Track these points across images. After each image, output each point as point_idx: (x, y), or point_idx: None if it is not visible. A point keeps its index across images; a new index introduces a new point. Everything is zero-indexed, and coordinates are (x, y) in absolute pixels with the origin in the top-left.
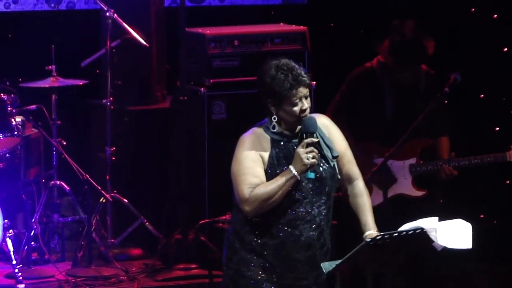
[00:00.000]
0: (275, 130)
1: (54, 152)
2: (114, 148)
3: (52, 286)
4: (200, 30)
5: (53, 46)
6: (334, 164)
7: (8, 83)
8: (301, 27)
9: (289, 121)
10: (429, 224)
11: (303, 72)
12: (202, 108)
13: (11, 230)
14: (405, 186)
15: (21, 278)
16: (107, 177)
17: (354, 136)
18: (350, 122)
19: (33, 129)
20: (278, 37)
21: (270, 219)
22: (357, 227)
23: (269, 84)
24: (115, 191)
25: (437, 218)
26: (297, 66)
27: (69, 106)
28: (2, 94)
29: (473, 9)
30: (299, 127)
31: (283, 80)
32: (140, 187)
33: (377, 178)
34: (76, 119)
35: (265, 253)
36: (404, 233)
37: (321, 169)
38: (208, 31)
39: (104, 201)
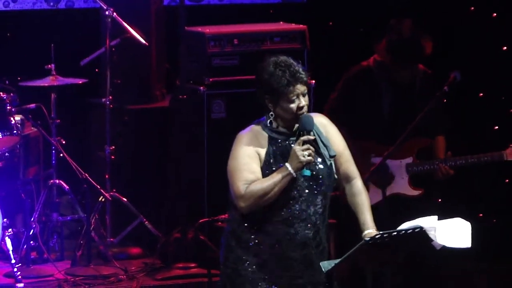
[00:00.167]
0: (273, 127)
1: (53, 151)
2: (113, 147)
3: (51, 285)
4: (199, 29)
5: (52, 45)
6: (331, 163)
7: (7, 82)
8: (301, 25)
9: (286, 118)
10: (428, 223)
11: (301, 69)
12: (202, 106)
13: (10, 229)
14: (401, 186)
15: (20, 277)
16: (107, 176)
17: (351, 135)
18: (346, 121)
19: (32, 128)
20: (277, 36)
21: (266, 217)
22: (356, 226)
23: (267, 81)
24: (114, 190)
25: (436, 217)
26: (295, 63)
27: (68, 105)
28: (1, 93)
29: (473, 8)
30: (297, 125)
31: (281, 77)
32: (139, 186)
33: (375, 178)
34: (75, 118)
35: (261, 251)
36: (403, 232)
37: (317, 167)
38: (208, 30)
39: (103, 200)
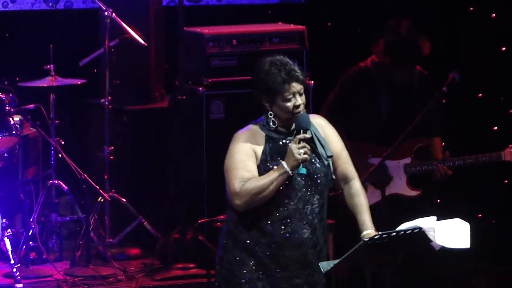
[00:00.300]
0: (271, 127)
1: (52, 152)
2: (112, 147)
3: (50, 286)
4: (198, 29)
5: (51, 45)
6: (328, 163)
7: (6, 82)
8: (300, 26)
9: (283, 117)
10: (427, 223)
11: (297, 68)
12: (201, 107)
13: (9, 230)
14: (400, 186)
15: (19, 277)
16: (105, 177)
17: (349, 135)
18: (344, 122)
19: (31, 128)
20: (276, 37)
21: (263, 217)
22: (355, 227)
23: (262, 80)
24: (113, 191)
25: (435, 217)
26: (291, 62)
27: (67, 105)
28: (0, 93)
29: (472, 8)
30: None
31: (276, 75)
32: (138, 187)
33: (373, 178)
34: (74, 119)
35: (258, 251)
36: (402, 232)
37: (314, 166)
38: (207, 31)
39: (102, 200)
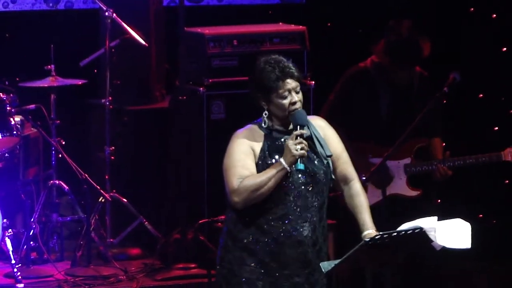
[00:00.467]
0: (268, 126)
1: (53, 152)
2: (113, 147)
3: (51, 286)
4: (199, 29)
5: (52, 45)
6: (327, 162)
7: (7, 82)
8: (300, 26)
9: (280, 115)
10: (428, 223)
11: (291, 65)
12: (201, 107)
13: (10, 230)
14: (400, 186)
15: (20, 277)
16: (106, 177)
17: (349, 136)
18: (344, 122)
19: (32, 128)
20: (277, 37)
21: (262, 215)
22: (356, 227)
23: (257, 78)
24: (114, 191)
25: (436, 217)
26: (285, 60)
27: (68, 105)
28: (1, 93)
29: (472, 9)
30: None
31: (270, 72)
32: (139, 187)
33: (374, 178)
34: (75, 119)
35: (257, 250)
36: (403, 232)
37: (314, 165)
38: (207, 31)
39: (103, 200)
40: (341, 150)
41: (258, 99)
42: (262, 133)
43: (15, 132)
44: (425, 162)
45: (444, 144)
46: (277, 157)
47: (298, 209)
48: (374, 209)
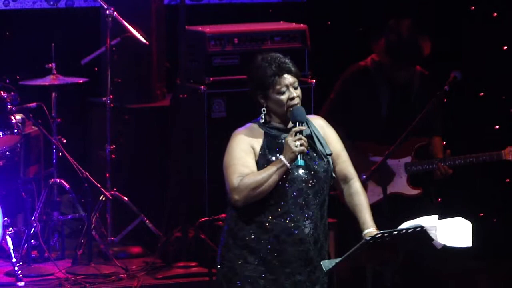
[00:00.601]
0: (267, 123)
1: (54, 150)
2: (114, 146)
3: (52, 284)
4: (200, 28)
5: (53, 44)
6: (328, 161)
7: (8, 81)
8: (301, 25)
9: (279, 112)
10: (429, 222)
11: (288, 61)
12: (202, 106)
13: (11, 228)
14: (400, 185)
15: (21, 276)
16: (107, 175)
17: (349, 135)
18: (344, 121)
19: (33, 127)
20: (278, 35)
21: (263, 213)
22: (356, 226)
23: (254, 75)
24: (115, 189)
25: (437, 216)
26: (282, 56)
27: (69, 104)
28: (2, 92)
29: (473, 7)
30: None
31: (267, 68)
32: (140, 185)
33: (375, 177)
34: (76, 117)
35: (258, 248)
36: (404, 231)
37: (314, 163)
38: (208, 29)
39: (104, 199)
40: (340, 149)
41: (256, 96)
42: (262, 131)
43: (16, 130)
44: (425, 161)
45: (444, 143)
46: (277, 154)
47: (299, 207)
48: (375, 208)
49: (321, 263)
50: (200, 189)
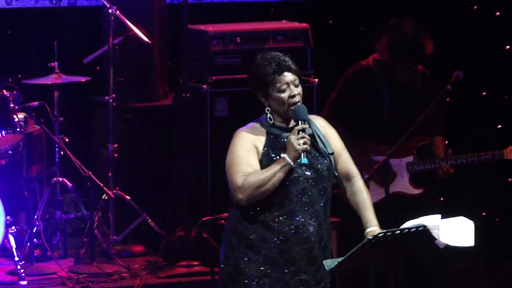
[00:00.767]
0: (270, 122)
1: (57, 149)
2: (116, 145)
3: (54, 283)
4: (202, 27)
5: (55, 42)
6: (330, 160)
7: (10, 79)
8: (304, 24)
9: (281, 111)
10: (432, 221)
11: (288, 59)
12: (204, 105)
13: (13, 227)
14: (402, 184)
15: (23, 274)
16: (110, 174)
17: (351, 134)
18: (346, 120)
19: (35, 125)
20: (280, 34)
21: (267, 211)
22: (359, 225)
23: (255, 74)
24: (117, 188)
25: (439, 215)
26: (281, 55)
27: (71, 103)
28: (4, 91)
29: (476, 7)
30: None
31: (267, 66)
32: (142, 184)
33: (377, 176)
34: (78, 116)
35: (263, 247)
36: (407, 230)
37: (317, 161)
38: (211, 28)
39: (106, 198)
40: (341, 148)
41: (258, 95)
42: (264, 130)
43: (18, 129)
44: (427, 160)
45: (446, 142)
46: (280, 153)
47: (304, 205)
48: (377, 208)
49: (323, 262)
50: (202, 188)
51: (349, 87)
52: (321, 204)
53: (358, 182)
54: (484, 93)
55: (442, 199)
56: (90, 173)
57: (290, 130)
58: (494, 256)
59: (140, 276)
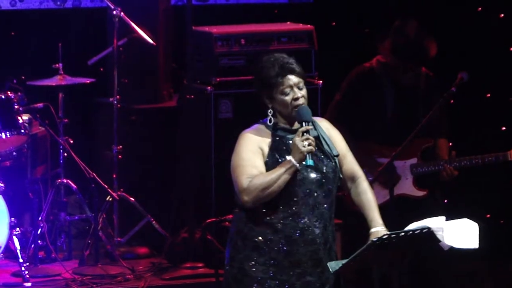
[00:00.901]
0: (274, 124)
1: (61, 151)
2: (120, 146)
3: (58, 285)
4: (207, 28)
5: (60, 44)
6: (335, 161)
7: (15, 81)
8: (308, 26)
9: (284, 112)
10: (436, 223)
11: (292, 61)
12: (209, 106)
13: (17, 228)
14: (406, 186)
15: (28, 276)
16: (114, 176)
17: (354, 135)
18: (350, 122)
19: (40, 127)
20: (284, 36)
21: (273, 213)
22: (362, 227)
23: (259, 76)
24: (121, 190)
25: (443, 217)
26: (286, 56)
27: (76, 104)
28: (9, 92)
29: (480, 8)
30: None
31: (270, 68)
32: (146, 186)
33: (381, 178)
34: (83, 118)
35: (269, 249)
36: (411, 232)
37: (323, 163)
38: (215, 30)
39: (110, 199)
40: (346, 149)
41: (262, 97)
42: (269, 132)
43: (23, 131)
44: (431, 162)
45: (450, 144)
46: (285, 155)
47: (309, 207)
48: (381, 209)
49: (327, 264)
50: (206, 189)
51: (353, 89)
52: (327, 206)
53: (363, 183)
54: (489, 95)
55: (446, 201)
56: (95, 174)
57: (294, 131)
58: (498, 258)
59: (145, 278)
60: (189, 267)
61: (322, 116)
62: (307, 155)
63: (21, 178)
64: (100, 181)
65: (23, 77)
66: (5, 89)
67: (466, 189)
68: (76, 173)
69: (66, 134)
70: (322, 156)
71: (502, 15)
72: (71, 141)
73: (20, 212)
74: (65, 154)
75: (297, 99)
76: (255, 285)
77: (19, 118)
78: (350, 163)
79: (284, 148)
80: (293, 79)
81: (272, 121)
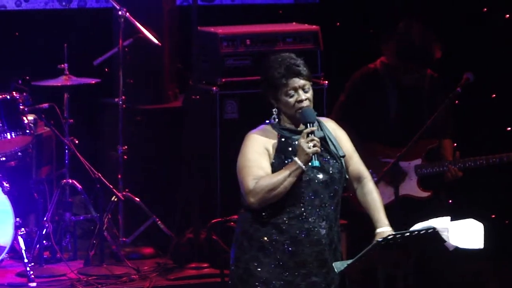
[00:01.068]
0: (279, 124)
1: (66, 151)
2: (126, 147)
3: (64, 285)
4: (212, 29)
5: (65, 44)
6: (341, 162)
7: (20, 81)
8: (314, 26)
9: (288, 113)
10: (441, 224)
11: (299, 63)
12: (214, 107)
13: (22, 229)
14: (410, 187)
15: (33, 276)
16: (119, 176)
17: (359, 136)
18: (354, 123)
19: (45, 127)
20: (290, 37)
21: (279, 214)
22: (367, 227)
23: (265, 75)
24: (127, 190)
25: (449, 218)
26: (294, 57)
27: (81, 104)
28: (14, 92)
29: (485, 9)
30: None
31: (276, 70)
32: (152, 186)
33: (386, 179)
34: (88, 118)
35: (274, 250)
36: (416, 232)
37: (329, 164)
38: (221, 30)
39: (116, 200)
40: (352, 150)
41: (267, 97)
42: (275, 132)
43: (28, 131)
44: (436, 163)
45: (455, 144)
46: (292, 156)
47: (316, 208)
48: (386, 210)
49: (333, 264)
50: (212, 190)
51: (357, 90)
52: (332, 206)
53: (369, 184)
54: (494, 95)
55: (450, 201)
56: (100, 175)
57: (300, 132)
58: (503, 258)
59: (150, 278)
60: (195, 267)
61: (328, 116)
62: (313, 156)
63: (26, 179)
64: (105, 181)
65: (28, 78)
66: (10, 89)
67: (470, 190)
68: (81, 173)
69: (71, 134)
70: (328, 157)
71: (508, 15)
72: (76, 142)
73: (25, 213)
74: (72, 155)
75: (301, 101)
76: (261, 285)
77: (24, 118)
78: (356, 163)
79: (290, 149)
80: (298, 81)
81: (277, 121)
